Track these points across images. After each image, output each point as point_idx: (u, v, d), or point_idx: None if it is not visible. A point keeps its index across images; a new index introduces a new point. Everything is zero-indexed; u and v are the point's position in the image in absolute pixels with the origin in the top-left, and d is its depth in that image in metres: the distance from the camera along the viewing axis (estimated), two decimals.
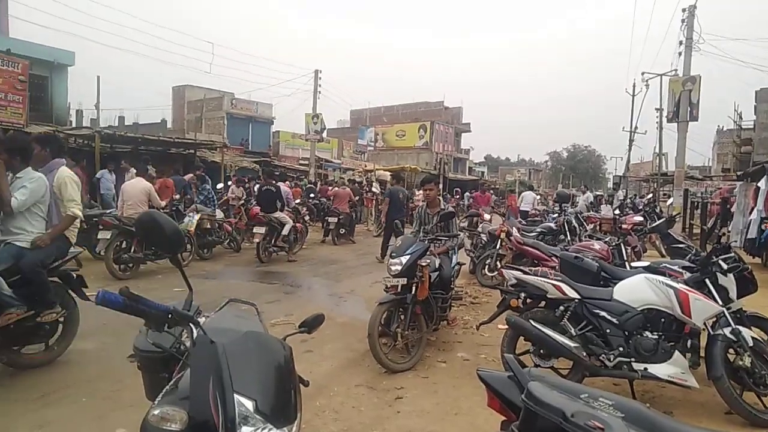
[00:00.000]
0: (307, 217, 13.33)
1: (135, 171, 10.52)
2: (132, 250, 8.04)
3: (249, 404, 1.51)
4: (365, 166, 30.73)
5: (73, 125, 19.96)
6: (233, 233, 11.22)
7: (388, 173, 27.80)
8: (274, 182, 11.07)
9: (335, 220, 13.61)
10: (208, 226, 10.21)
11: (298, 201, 14.91)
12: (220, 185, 14.51)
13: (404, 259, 4.69)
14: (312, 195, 18.06)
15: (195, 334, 1.77)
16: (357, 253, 12.34)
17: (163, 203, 9.15)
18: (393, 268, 4.70)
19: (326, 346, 5.12)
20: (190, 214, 9.74)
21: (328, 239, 13.79)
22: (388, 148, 46.87)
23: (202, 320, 2.20)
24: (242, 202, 12.86)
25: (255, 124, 34.31)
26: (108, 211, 9.06)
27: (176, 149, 19.03)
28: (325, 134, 31.42)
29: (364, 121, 48.06)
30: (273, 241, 10.31)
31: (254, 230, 10.18)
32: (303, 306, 6.73)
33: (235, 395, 1.51)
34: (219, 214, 10.97)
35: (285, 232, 10.27)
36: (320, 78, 28.05)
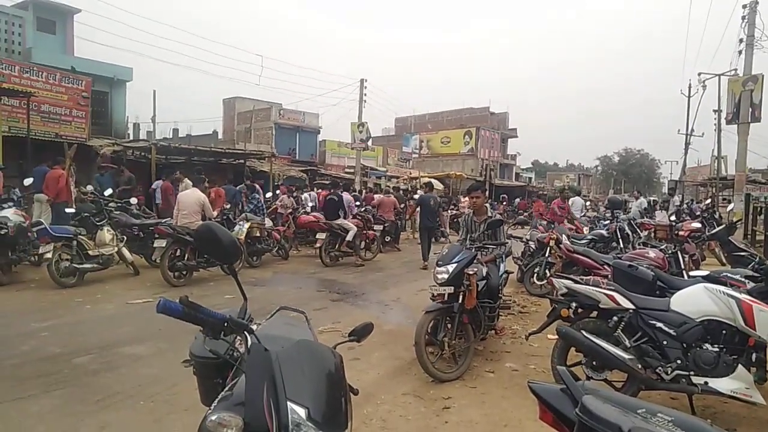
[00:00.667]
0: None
1: (189, 182, 10.93)
2: (186, 258, 8.34)
3: (302, 411, 1.54)
4: (410, 173, 30.77)
5: (131, 138, 20.95)
6: (281, 241, 11.45)
7: (435, 180, 27.78)
8: (338, 191, 11.70)
9: (380, 227, 13.66)
10: (258, 235, 10.46)
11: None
12: (269, 194, 14.84)
13: (451, 268, 4.66)
14: (357, 203, 18.19)
15: (250, 342, 1.82)
16: (402, 260, 12.34)
17: (215, 213, 9.46)
18: (439, 276, 4.68)
19: (373, 354, 5.14)
20: (241, 222, 10.01)
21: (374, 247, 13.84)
22: (433, 155, 46.76)
23: (254, 328, 2.27)
24: (290, 210, 13.11)
25: (302, 134, 34.97)
26: (164, 220, 9.43)
27: (227, 159, 19.64)
28: (370, 142, 31.64)
29: (408, 129, 48.18)
30: (337, 246, 11.06)
31: (317, 236, 11.06)
32: (350, 313, 6.79)
33: (288, 403, 1.54)
34: (268, 222, 11.24)
35: (350, 237, 10.97)
36: (365, 87, 28.35)
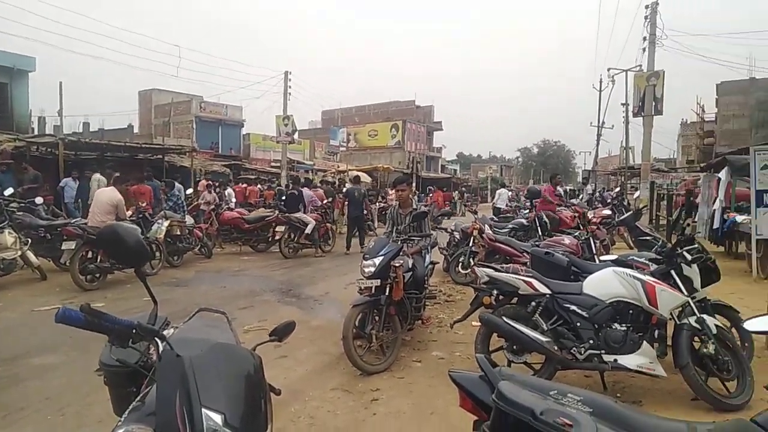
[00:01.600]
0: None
1: (103, 178, 10.29)
2: (98, 260, 7.84)
3: (217, 418, 1.50)
4: (338, 166, 30.63)
5: (35, 133, 19.37)
6: (204, 239, 11.05)
7: (363, 174, 27.81)
8: (298, 187, 12.80)
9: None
10: (178, 233, 10.03)
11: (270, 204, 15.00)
12: (189, 190, 14.25)
13: (377, 261, 4.68)
14: (284, 198, 17.88)
15: (161, 349, 1.73)
16: (330, 254, 12.28)
17: (129, 212, 8.97)
18: (366, 269, 4.69)
19: (301, 351, 5.07)
20: (159, 220, 9.54)
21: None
22: (360, 148, 46.82)
23: (170, 332, 2.16)
24: (213, 207, 12.66)
25: (225, 127, 33.92)
26: (73, 220, 8.82)
27: (144, 155, 18.63)
28: (296, 136, 31.21)
29: (335, 122, 47.92)
30: (296, 239, 11.61)
31: (276, 229, 11.72)
32: (277, 311, 6.67)
33: (203, 409, 1.49)
34: (189, 220, 10.79)
35: (308, 230, 11.51)
36: (290, 79, 27.88)
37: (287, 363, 4.76)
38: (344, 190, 16.18)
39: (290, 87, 27.84)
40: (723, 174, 10.01)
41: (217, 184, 15.89)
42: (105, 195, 8.30)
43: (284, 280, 8.91)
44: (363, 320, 4.71)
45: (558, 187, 21.67)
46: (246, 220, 12.04)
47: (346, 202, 13.51)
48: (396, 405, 3.92)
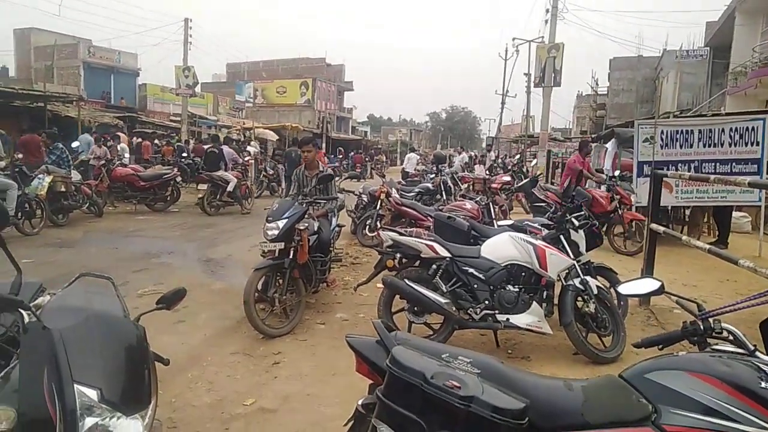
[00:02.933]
0: (179, 179, 12.58)
1: None
2: None
3: (92, 393, 1.41)
4: (244, 123, 29.41)
5: None
6: (93, 197, 10.23)
7: (270, 132, 26.92)
8: (218, 145, 12.79)
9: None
10: (63, 189, 9.18)
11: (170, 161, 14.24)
12: (75, 143, 13.01)
13: (281, 223, 4.58)
14: (185, 155, 16.94)
15: (26, 320, 1.56)
16: (234, 216, 11.87)
17: (2, 164, 8.06)
18: (270, 232, 4.58)
19: (200, 316, 4.89)
20: (40, 176, 8.66)
21: None
22: (268, 105, 45.18)
23: (45, 300, 1.98)
24: (103, 162, 11.70)
25: (117, 76, 31.26)
26: None
27: (21, 102, 16.70)
28: (198, 89, 29.47)
29: (241, 76, 45.74)
30: (219, 197, 11.67)
31: (198, 187, 11.84)
32: (174, 273, 6.38)
33: (76, 385, 1.40)
34: (75, 175, 9.90)
35: (230, 188, 11.68)
36: (191, 27, 26.00)
37: (185, 328, 4.59)
38: (250, 148, 16.47)
39: (191, 36, 26.02)
40: (610, 145, 10.80)
41: (109, 137, 14.66)
42: None
43: (184, 242, 8.51)
44: (266, 283, 4.63)
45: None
46: (141, 178, 11.30)
47: (285, 163, 14.13)
48: (298, 367, 3.92)
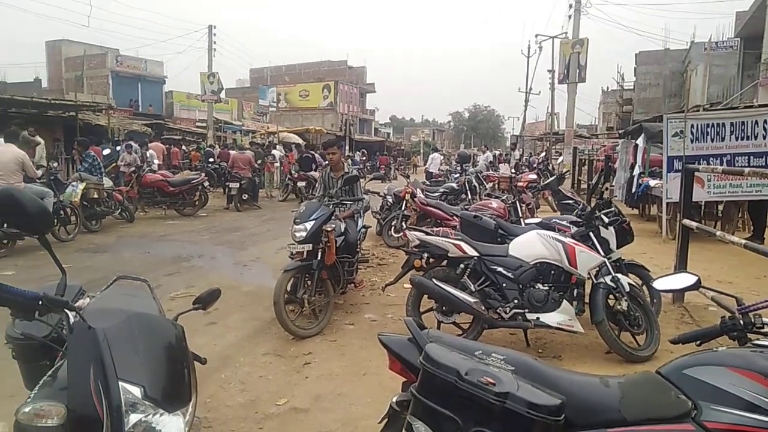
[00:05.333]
0: (206, 183, 12.81)
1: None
2: (5, 225, 7.23)
3: (136, 391, 1.45)
4: (268, 127, 29.75)
5: None
6: (125, 203, 10.49)
7: (294, 135, 27.16)
8: (310, 151, 16.09)
9: (236, 185, 13.15)
10: (96, 196, 9.45)
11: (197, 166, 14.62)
12: (107, 151, 13.36)
13: (309, 225, 4.62)
14: (211, 159, 17.23)
15: (72, 321, 1.62)
16: (261, 219, 12.03)
17: (39, 173, 8.31)
18: (297, 234, 4.63)
19: (231, 317, 4.98)
20: (74, 183, 8.92)
21: (231, 206, 13.35)
22: (291, 108, 45.59)
23: (85, 302, 2.04)
24: (134, 169, 11.99)
25: (145, 84, 31.98)
26: None
27: (54, 112, 17.20)
28: (223, 94, 29.88)
29: (264, 81, 46.24)
30: (310, 192, 13.08)
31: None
32: (205, 276, 6.49)
33: (121, 383, 1.44)
34: (107, 182, 10.17)
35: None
36: (215, 34, 26.47)
37: (217, 330, 4.67)
38: (275, 152, 17.50)
39: (215, 42, 26.51)
40: (640, 140, 10.60)
41: (137, 144, 14.99)
42: (7, 153, 7.55)
43: (213, 246, 8.66)
44: (295, 285, 4.68)
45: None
46: (170, 183, 11.53)
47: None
48: (328, 368, 3.95)
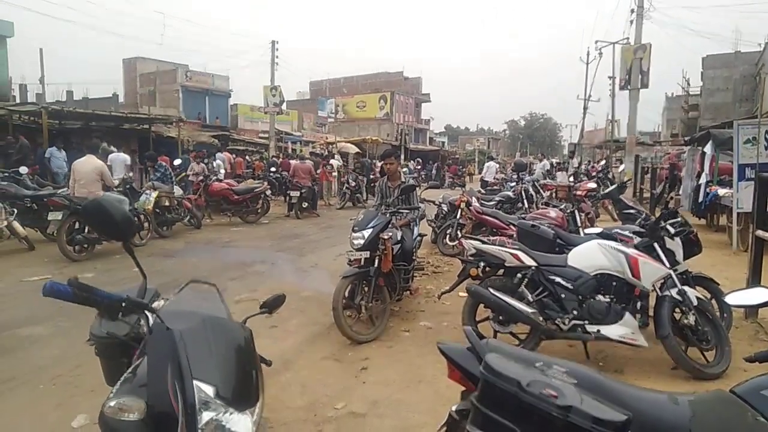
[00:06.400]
0: (268, 192, 13.24)
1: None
2: (86, 230, 7.78)
3: (209, 390, 1.52)
4: (326, 138, 30.37)
5: (17, 101, 18.90)
6: (193, 210, 11.02)
7: (351, 145, 27.59)
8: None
9: (297, 194, 13.52)
10: (167, 204, 10.00)
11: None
12: (177, 161, 14.08)
13: (366, 233, 4.72)
14: (273, 169, 17.78)
15: (151, 322, 1.75)
16: (320, 226, 12.30)
17: (116, 182, 8.88)
18: (355, 242, 4.73)
19: (291, 321, 5.14)
20: (147, 191, 9.48)
21: (292, 214, 13.74)
22: (348, 119, 46.37)
23: (160, 304, 2.18)
24: (201, 178, 12.58)
25: (211, 97, 33.38)
26: (58, 191, 8.72)
27: (130, 125, 18.31)
28: (284, 106, 30.76)
29: (323, 93, 47.29)
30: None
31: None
32: (267, 281, 6.72)
33: (195, 382, 1.52)
34: (177, 191, 10.73)
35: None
36: (277, 49, 27.34)
37: (278, 333, 4.83)
38: (333, 162, 18.03)
39: (277, 57, 27.36)
40: (707, 148, 10.11)
41: (205, 155, 15.71)
42: (89, 164, 8.16)
43: (274, 252, 8.94)
44: (353, 291, 4.77)
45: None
46: (235, 192, 12.00)
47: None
48: (385, 374, 4.01)
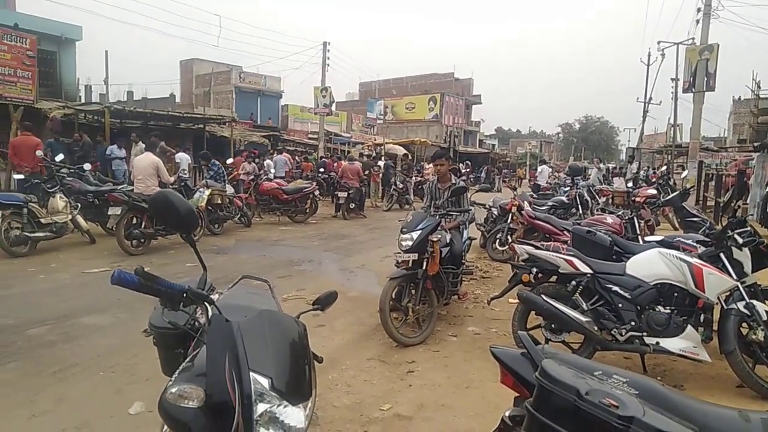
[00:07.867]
0: (317, 192, 13.41)
1: (144, 145, 10.60)
2: (143, 225, 8.09)
3: (265, 382, 1.53)
4: (375, 139, 30.52)
5: (83, 101, 19.93)
6: (244, 208, 11.28)
7: (399, 147, 27.61)
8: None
9: (345, 194, 13.64)
10: (219, 202, 10.26)
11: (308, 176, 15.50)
12: (230, 160, 14.49)
13: (415, 235, 4.68)
14: (322, 170, 18.01)
15: (210, 313, 1.78)
16: (367, 227, 12.36)
17: (172, 179, 9.19)
18: (404, 243, 4.69)
19: (338, 321, 5.16)
20: (201, 189, 9.78)
21: (339, 214, 13.87)
22: (397, 121, 46.43)
23: (215, 297, 2.22)
24: (252, 177, 12.87)
25: (263, 98, 34.14)
26: (119, 186, 9.11)
27: (185, 124, 18.97)
28: (333, 107, 31.13)
29: (373, 94, 47.52)
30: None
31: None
32: (314, 280, 6.78)
33: (251, 373, 1.53)
34: (229, 189, 11.02)
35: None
36: (328, 50, 27.69)
37: (324, 332, 4.86)
38: (381, 163, 18.40)
39: (328, 58, 27.69)
40: None
41: (256, 154, 16.10)
42: (146, 160, 8.53)
43: (322, 252, 9.03)
44: (400, 293, 4.74)
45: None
46: (284, 191, 12.22)
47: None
48: (431, 377, 3.96)
